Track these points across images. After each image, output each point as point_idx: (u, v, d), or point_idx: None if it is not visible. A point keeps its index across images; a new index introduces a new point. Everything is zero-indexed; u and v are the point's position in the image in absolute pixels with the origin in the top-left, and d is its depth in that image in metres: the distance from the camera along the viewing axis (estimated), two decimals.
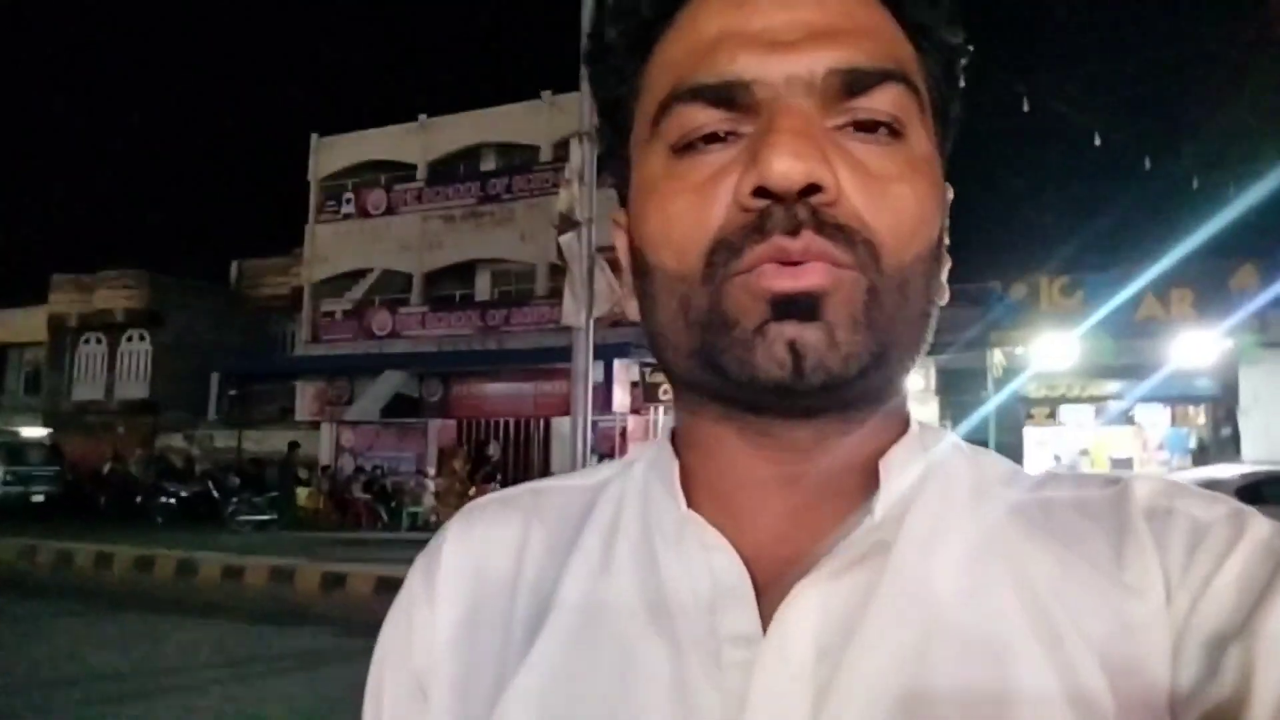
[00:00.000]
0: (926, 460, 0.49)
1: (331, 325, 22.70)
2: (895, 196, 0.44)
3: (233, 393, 22.85)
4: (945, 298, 0.50)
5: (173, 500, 17.31)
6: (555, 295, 12.87)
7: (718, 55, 0.45)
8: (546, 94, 20.67)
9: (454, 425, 20.11)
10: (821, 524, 0.46)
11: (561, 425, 16.47)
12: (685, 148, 0.46)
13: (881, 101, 0.45)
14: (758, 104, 0.44)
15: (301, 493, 17.02)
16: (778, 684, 0.43)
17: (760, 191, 0.42)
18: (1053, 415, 15.89)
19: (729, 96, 0.44)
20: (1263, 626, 0.40)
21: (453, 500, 11.84)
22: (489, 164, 22.20)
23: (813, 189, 0.42)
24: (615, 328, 15.88)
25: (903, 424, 0.50)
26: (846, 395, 0.45)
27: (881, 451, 0.47)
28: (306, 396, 21.23)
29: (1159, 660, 0.42)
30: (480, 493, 8.72)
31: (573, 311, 8.65)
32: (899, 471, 0.47)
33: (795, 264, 0.42)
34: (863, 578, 0.45)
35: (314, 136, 23.67)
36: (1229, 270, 13.61)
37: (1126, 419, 15.35)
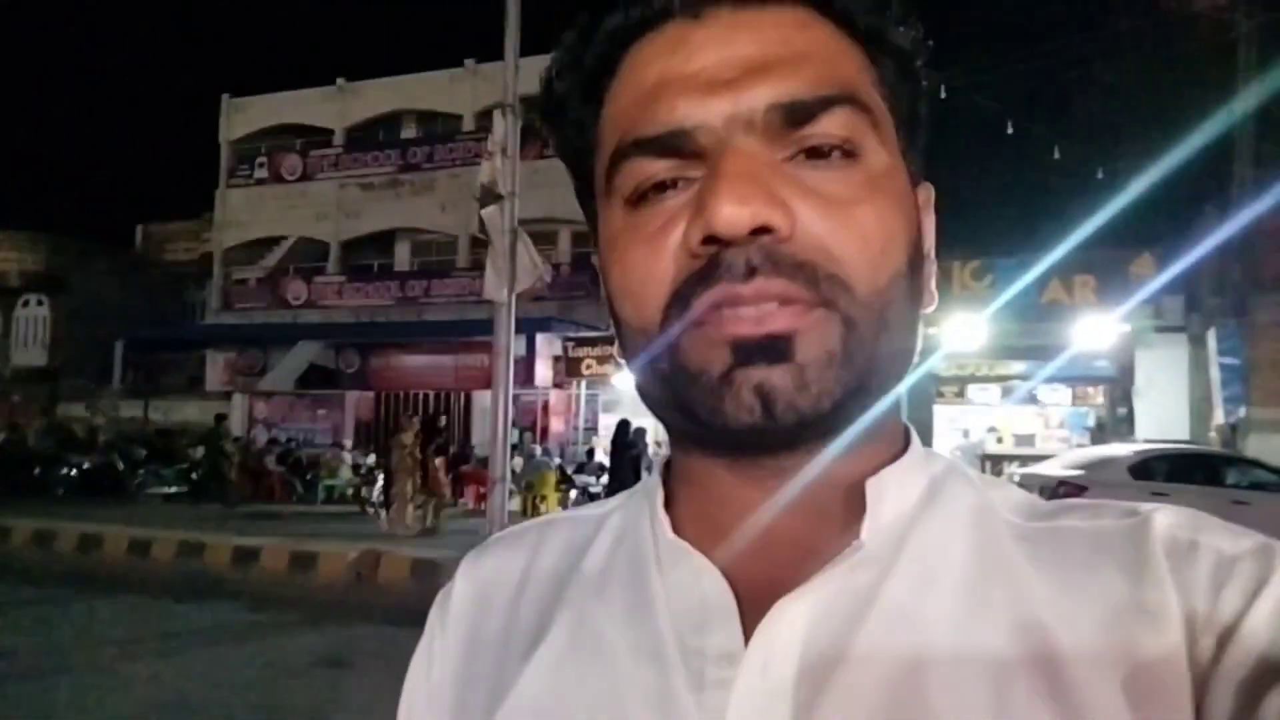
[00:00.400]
0: (928, 485, 0.48)
1: (244, 293, 22.02)
2: (858, 220, 0.43)
3: (138, 361, 22.00)
4: (934, 304, 0.50)
5: (74, 472, 16.55)
6: (477, 267, 12.73)
7: (658, 105, 0.45)
8: (469, 62, 20.30)
9: (372, 397, 19.77)
10: (810, 545, 0.46)
11: (483, 398, 16.36)
12: (639, 199, 0.46)
13: (830, 126, 0.44)
14: (702, 149, 0.44)
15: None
16: (756, 701, 0.43)
17: (710, 239, 0.42)
18: (961, 394, 16.43)
19: (673, 146, 0.44)
20: None
21: (404, 475, 11.49)
22: (409, 132, 21.73)
23: (762, 230, 0.41)
24: (538, 302, 15.78)
25: (899, 444, 0.50)
26: (826, 427, 0.44)
27: (873, 472, 0.47)
28: (217, 366, 20.60)
29: (1177, 700, 0.40)
30: (433, 468, 8.34)
31: (495, 286, 8.56)
32: (892, 493, 0.47)
33: (752, 307, 0.42)
34: (851, 599, 0.44)
35: (225, 97, 22.82)
36: (1128, 259, 14.26)
37: (1030, 398, 15.96)
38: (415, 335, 18.82)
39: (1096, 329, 13.81)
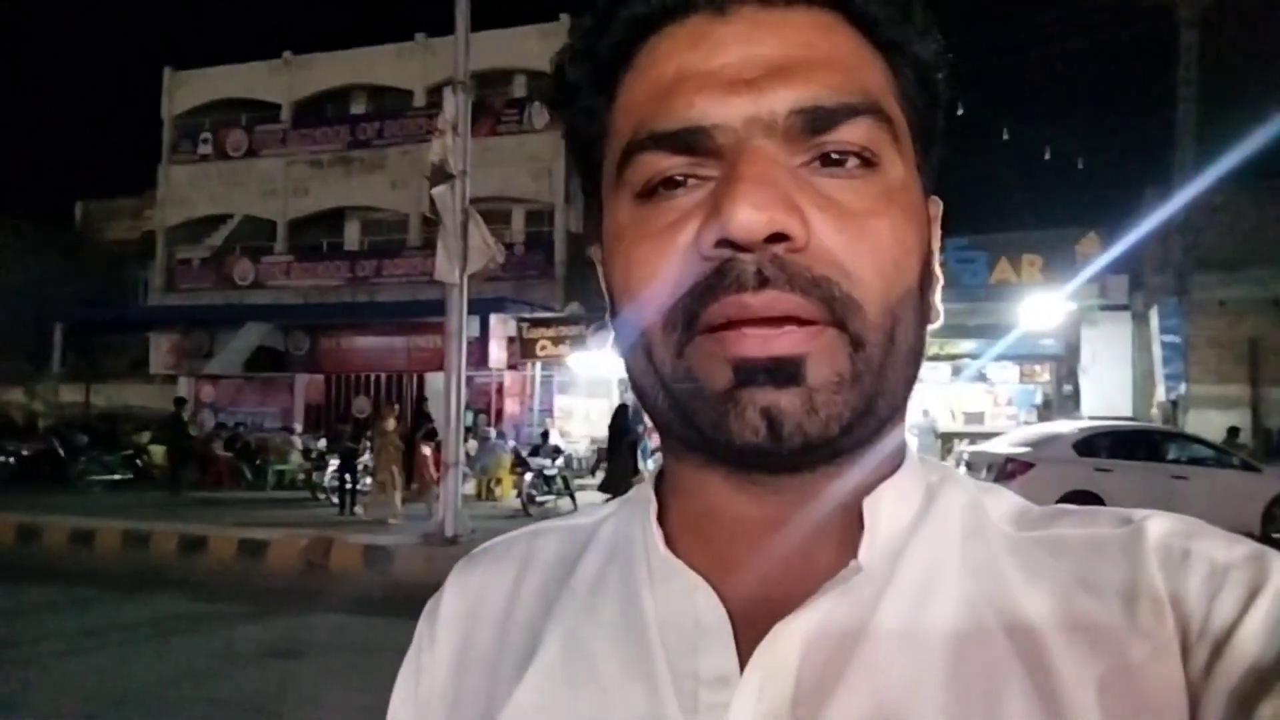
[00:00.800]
0: (924, 496, 0.48)
1: (188, 273, 21.58)
2: (872, 233, 0.42)
3: (79, 344, 21.43)
4: (939, 319, 0.49)
5: (12, 460, 16.10)
6: (429, 246, 12.57)
7: (675, 99, 0.44)
8: (420, 36, 19.98)
9: (322, 380, 19.50)
10: (808, 565, 0.45)
11: (435, 380, 16.21)
12: (649, 193, 0.44)
13: (850, 134, 0.43)
14: (719, 149, 0.43)
15: (156, 451, 16.13)
16: None
17: (723, 243, 0.41)
18: None
19: (689, 143, 0.43)
20: None
21: (388, 463, 11.27)
22: (359, 107, 21.39)
23: (778, 237, 0.40)
24: (491, 282, 15.65)
25: (898, 457, 0.48)
26: (832, 450, 0.43)
27: (871, 489, 0.46)
28: (161, 349, 20.13)
29: (1173, 712, 0.39)
30: (419, 455, 8.10)
31: (446, 267, 8.46)
32: (888, 511, 0.46)
33: (761, 322, 0.41)
34: (847, 620, 0.44)
35: (168, 70, 22.26)
36: (1074, 238, 14.61)
37: (980, 376, 16.29)
38: (366, 316, 18.59)
39: (1043, 308, 14.14)
